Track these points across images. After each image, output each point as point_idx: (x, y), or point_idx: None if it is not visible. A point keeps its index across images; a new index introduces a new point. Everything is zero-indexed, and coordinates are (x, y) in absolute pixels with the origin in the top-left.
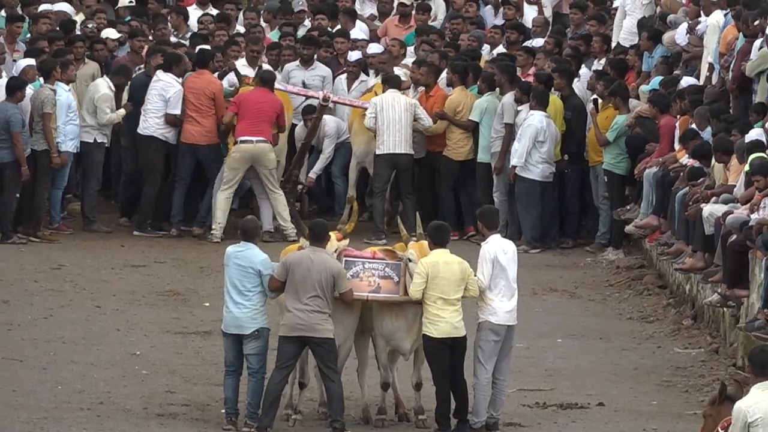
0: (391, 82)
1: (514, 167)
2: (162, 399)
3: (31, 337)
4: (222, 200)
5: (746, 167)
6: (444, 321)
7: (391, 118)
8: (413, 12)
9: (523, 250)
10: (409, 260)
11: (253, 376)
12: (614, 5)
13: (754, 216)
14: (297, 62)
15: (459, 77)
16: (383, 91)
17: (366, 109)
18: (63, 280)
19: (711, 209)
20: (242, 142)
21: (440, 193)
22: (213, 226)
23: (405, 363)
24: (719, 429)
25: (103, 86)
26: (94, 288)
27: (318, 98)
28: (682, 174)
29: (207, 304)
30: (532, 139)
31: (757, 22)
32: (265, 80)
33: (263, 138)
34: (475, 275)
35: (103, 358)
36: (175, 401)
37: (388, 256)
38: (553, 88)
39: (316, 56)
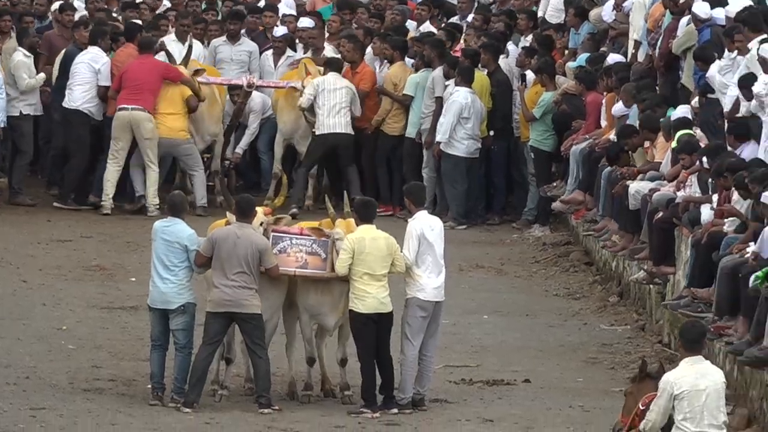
0: (333, 65)
1: (439, 143)
2: (88, 374)
3: None
4: (111, 172)
5: (673, 144)
6: (371, 296)
7: (333, 101)
8: None
9: (450, 227)
10: (337, 238)
11: (179, 351)
12: None
13: (680, 193)
14: (224, 38)
15: (399, 53)
16: (324, 73)
17: (291, 88)
18: None
19: (637, 186)
20: (119, 110)
21: (375, 168)
22: (102, 198)
23: (333, 339)
24: (640, 406)
25: (18, 55)
26: (20, 262)
27: (242, 84)
28: (608, 151)
29: (133, 279)
30: (456, 115)
31: (681, 0)
32: (143, 45)
33: (139, 106)
34: (402, 251)
35: (29, 333)
36: (102, 376)
37: (315, 233)
38: (480, 64)
39: (243, 31)
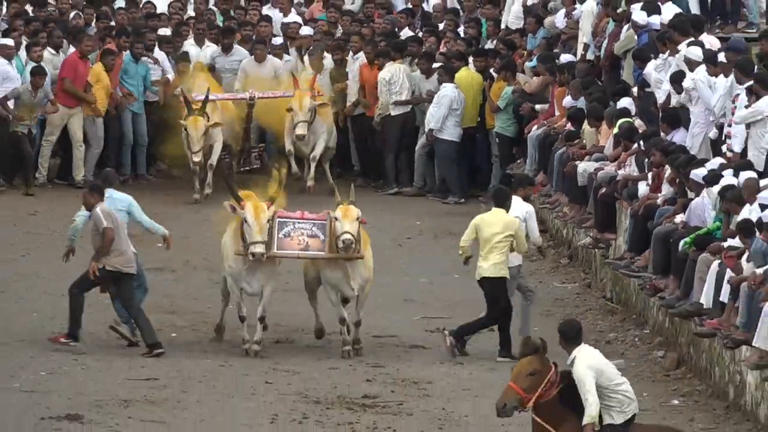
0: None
1: (431, 130)
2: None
3: (12, 273)
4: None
5: (615, 130)
6: (479, 267)
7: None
8: None
9: (454, 202)
10: (335, 218)
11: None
12: None
13: (620, 172)
14: (219, 49)
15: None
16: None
17: (288, 97)
18: (38, 224)
19: (584, 166)
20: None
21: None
22: (36, 175)
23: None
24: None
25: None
26: (63, 231)
27: (246, 98)
28: (560, 136)
29: (159, 245)
30: (448, 107)
31: (622, 10)
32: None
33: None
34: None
35: None
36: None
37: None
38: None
39: (235, 41)
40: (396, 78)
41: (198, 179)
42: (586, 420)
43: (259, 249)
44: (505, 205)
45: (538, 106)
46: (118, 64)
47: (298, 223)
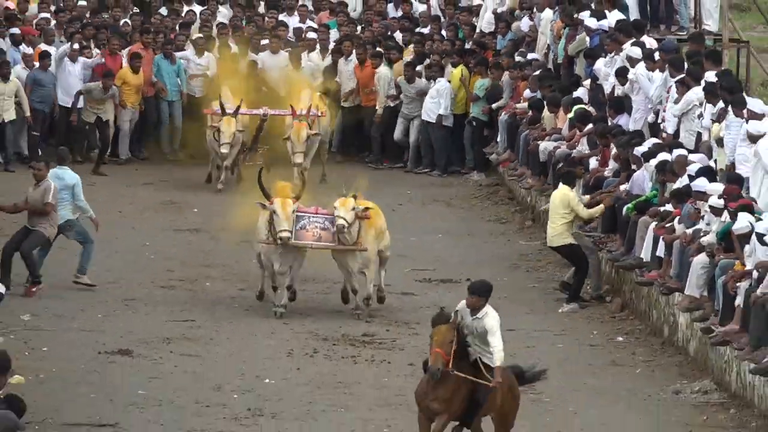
0: None
1: (441, 116)
2: (164, 275)
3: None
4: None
5: (570, 115)
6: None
7: None
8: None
9: (437, 175)
10: (334, 207)
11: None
12: (476, 2)
13: (575, 150)
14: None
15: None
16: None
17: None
18: (94, 192)
19: (545, 145)
20: None
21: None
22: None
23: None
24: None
25: None
26: (115, 200)
27: (260, 114)
28: (524, 121)
29: (195, 210)
30: (448, 96)
31: (576, 16)
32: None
33: None
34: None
35: (122, 248)
36: (174, 277)
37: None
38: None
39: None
40: (390, 76)
41: (222, 171)
42: (497, 363)
43: (284, 234)
44: (571, 183)
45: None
46: (145, 63)
47: (313, 217)
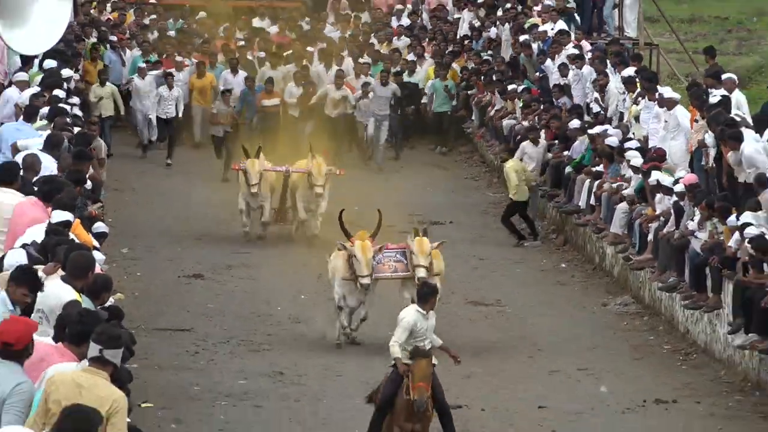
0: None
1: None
2: (229, 219)
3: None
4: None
5: (520, 103)
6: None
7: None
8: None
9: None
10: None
11: None
12: (456, 16)
13: (525, 123)
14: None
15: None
16: None
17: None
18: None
19: (506, 122)
20: None
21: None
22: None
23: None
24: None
25: None
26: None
27: (282, 171)
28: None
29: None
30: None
31: (528, 26)
32: None
33: None
34: None
35: (198, 201)
36: (235, 221)
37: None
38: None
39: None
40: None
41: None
42: (440, 342)
43: (366, 281)
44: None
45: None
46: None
47: (386, 252)
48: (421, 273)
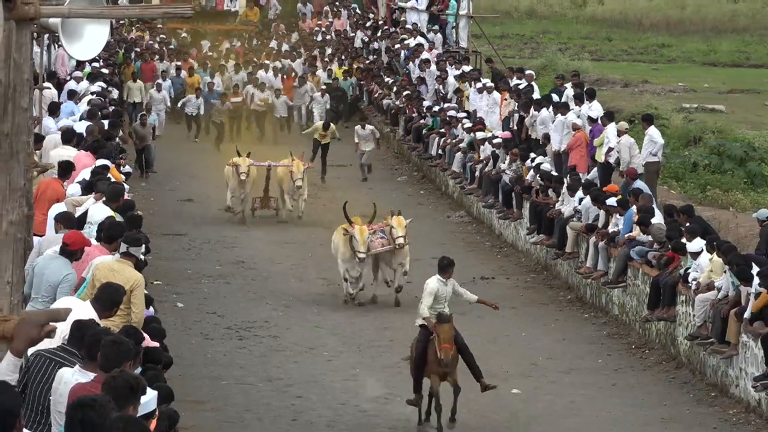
0: None
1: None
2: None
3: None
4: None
5: (394, 89)
6: None
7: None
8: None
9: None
10: (391, 226)
11: None
12: (351, 35)
13: (397, 102)
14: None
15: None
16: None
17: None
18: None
19: (386, 101)
20: None
21: None
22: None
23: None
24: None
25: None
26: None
27: (265, 166)
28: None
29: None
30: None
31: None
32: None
33: None
34: None
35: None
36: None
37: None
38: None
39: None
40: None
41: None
42: (476, 297)
43: (361, 256)
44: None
45: None
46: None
47: (377, 232)
48: (401, 241)
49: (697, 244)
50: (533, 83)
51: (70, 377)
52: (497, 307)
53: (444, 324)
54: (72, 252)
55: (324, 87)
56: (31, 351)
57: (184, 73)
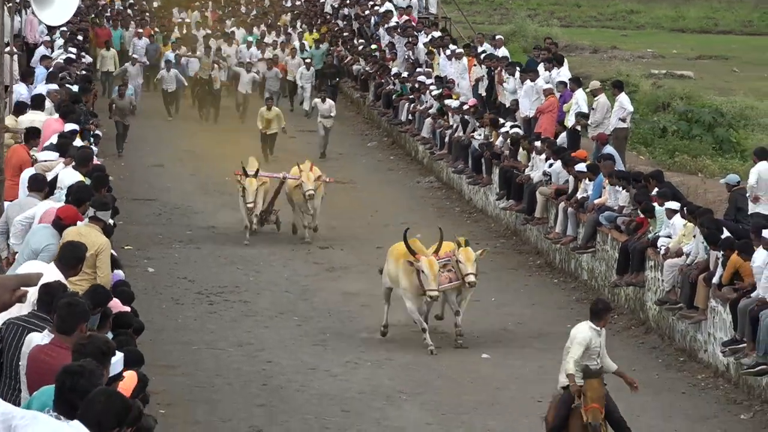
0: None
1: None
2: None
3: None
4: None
5: (363, 56)
6: None
7: None
8: None
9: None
10: (459, 261)
11: None
12: (321, 1)
13: (367, 68)
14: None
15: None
16: None
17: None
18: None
19: (356, 67)
20: None
21: None
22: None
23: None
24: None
25: None
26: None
27: (279, 177)
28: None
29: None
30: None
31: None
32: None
33: None
34: None
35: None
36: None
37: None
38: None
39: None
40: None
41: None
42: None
43: (434, 294)
44: None
45: None
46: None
47: (444, 261)
48: (471, 279)
49: (674, 204)
50: (503, 50)
51: (40, 342)
52: (637, 387)
53: (593, 379)
54: (65, 226)
55: (308, 60)
56: (2, 320)
57: (146, 40)
